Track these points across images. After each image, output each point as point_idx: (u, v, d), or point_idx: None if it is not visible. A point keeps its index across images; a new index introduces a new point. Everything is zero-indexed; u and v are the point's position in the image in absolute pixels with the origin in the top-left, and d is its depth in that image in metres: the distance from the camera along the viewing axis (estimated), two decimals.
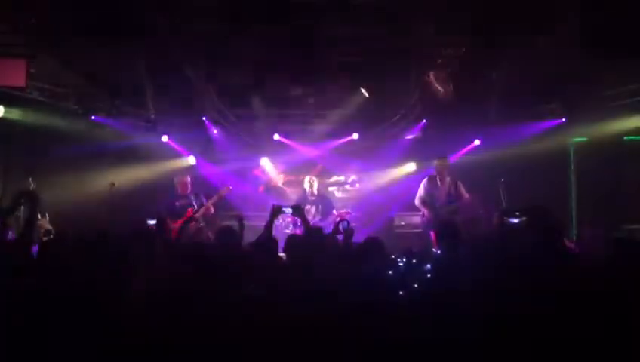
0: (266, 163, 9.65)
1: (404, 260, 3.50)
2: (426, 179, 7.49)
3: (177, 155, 9.26)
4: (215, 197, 7.67)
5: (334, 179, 9.47)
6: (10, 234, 4.45)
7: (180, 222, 7.12)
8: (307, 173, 8.61)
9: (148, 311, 2.07)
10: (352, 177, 9.47)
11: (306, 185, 7.92)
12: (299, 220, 6.07)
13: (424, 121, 9.10)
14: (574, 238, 7.72)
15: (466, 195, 7.32)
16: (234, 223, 5.09)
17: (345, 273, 2.84)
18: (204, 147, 9.41)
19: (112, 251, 2.14)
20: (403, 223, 8.80)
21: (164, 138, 9.06)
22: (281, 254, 4.17)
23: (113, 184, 7.64)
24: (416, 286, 2.78)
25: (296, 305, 2.27)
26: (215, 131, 9.23)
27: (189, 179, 7.81)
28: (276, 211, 4.72)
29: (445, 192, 7.30)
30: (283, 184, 9.59)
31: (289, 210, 5.08)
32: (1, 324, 1.97)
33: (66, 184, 7.79)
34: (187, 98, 8.55)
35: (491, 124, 8.82)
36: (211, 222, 7.64)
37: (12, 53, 6.97)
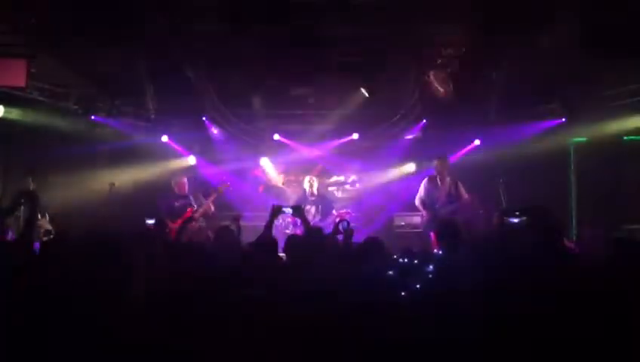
0: (265, 163, 9.65)
1: (406, 260, 3.50)
2: (426, 179, 7.49)
3: (177, 155, 9.27)
4: (214, 195, 7.70)
5: (334, 179, 9.48)
6: (10, 234, 4.46)
7: (179, 222, 7.14)
8: (307, 173, 8.62)
9: (148, 311, 2.07)
10: (352, 177, 9.47)
11: (306, 186, 7.92)
12: (299, 220, 6.07)
13: (424, 121, 9.10)
14: (574, 238, 7.72)
15: (466, 195, 7.32)
16: (232, 224, 5.11)
17: (345, 273, 2.84)
18: (204, 147, 9.42)
19: (113, 251, 2.14)
20: (403, 223, 8.81)
21: (164, 138, 9.06)
22: (281, 254, 4.18)
23: (113, 184, 7.65)
24: (418, 286, 2.78)
25: (296, 305, 2.27)
26: (215, 131, 9.23)
27: (185, 179, 7.85)
28: (276, 211, 4.72)
29: (445, 192, 7.30)
30: (283, 184, 9.59)
31: (289, 210, 5.08)
32: (1, 324, 1.97)
33: (66, 184, 7.80)
34: (187, 98, 8.54)
35: (491, 124, 8.82)
36: (212, 221, 7.65)
37: (12, 53, 6.96)
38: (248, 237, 4.73)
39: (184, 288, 2.46)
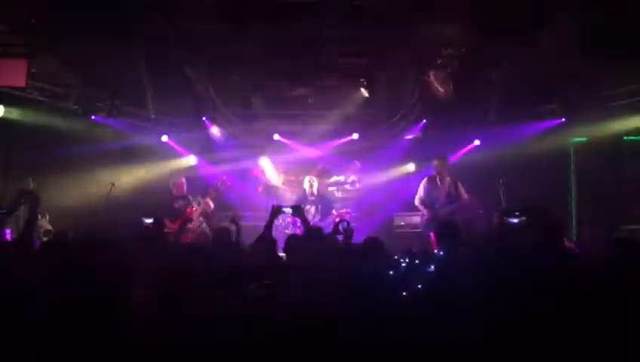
0: (265, 163, 9.64)
1: (407, 260, 3.50)
2: (425, 179, 7.49)
3: (177, 155, 9.27)
4: (212, 192, 7.71)
5: (334, 179, 9.47)
6: (9, 234, 4.45)
7: (180, 222, 7.15)
8: (307, 173, 8.62)
9: (147, 311, 2.07)
10: (352, 177, 9.46)
11: (306, 186, 7.93)
12: (298, 220, 6.08)
13: (424, 121, 9.10)
14: (574, 238, 7.72)
15: (466, 195, 7.32)
16: (231, 224, 5.10)
17: (345, 273, 2.84)
18: (204, 147, 9.41)
19: (113, 251, 2.14)
20: (403, 223, 8.80)
21: (164, 138, 9.06)
22: (281, 254, 4.18)
23: (113, 184, 7.65)
24: (419, 286, 2.78)
25: (296, 305, 2.27)
26: (215, 131, 9.23)
27: (183, 179, 7.86)
28: (276, 211, 4.73)
29: (445, 192, 7.30)
30: (283, 184, 9.59)
31: (289, 210, 5.08)
32: (1, 324, 1.97)
33: (66, 184, 7.80)
34: (187, 98, 8.55)
35: (491, 124, 8.82)
36: (211, 220, 7.66)
37: (12, 53, 6.96)
38: (248, 237, 4.73)
39: (183, 288, 2.46)
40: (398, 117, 9.17)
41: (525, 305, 2.20)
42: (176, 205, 7.73)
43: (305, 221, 4.89)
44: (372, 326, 2.10)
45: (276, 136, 9.48)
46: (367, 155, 9.50)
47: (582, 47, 6.45)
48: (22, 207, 3.80)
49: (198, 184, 8.50)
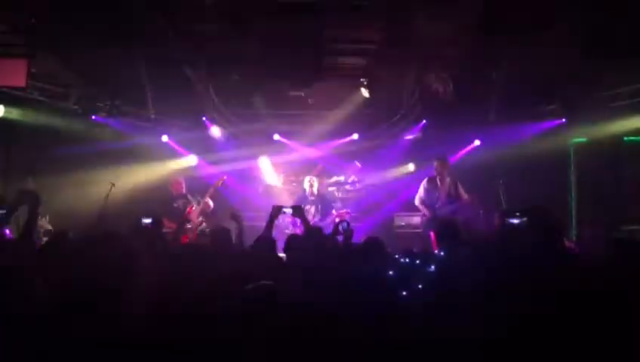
0: (265, 163, 9.64)
1: (407, 260, 3.50)
2: (426, 180, 7.50)
3: (177, 155, 9.27)
4: (211, 190, 7.72)
5: (334, 179, 9.46)
6: (9, 233, 4.45)
7: (179, 221, 7.14)
8: (307, 173, 8.62)
9: (148, 311, 2.07)
10: (352, 177, 9.46)
11: (306, 186, 7.93)
12: (298, 220, 6.08)
13: (424, 121, 9.10)
14: (574, 238, 7.73)
15: (466, 196, 7.33)
16: (233, 223, 5.10)
17: (345, 273, 2.84)
18: (204, 147, 9.41)
19: (114, 250, 2.14)
20: (403, 223, 8.80)
21: (164, 138, 9.06)
22: (281, 254, 4.18)
23: (113, 184, 7.65)
24: (420, 286, 2.78)
25: (296, 305, 2.27)
26: (215, 131, 9.23)
27: (182, 179, 7.86)
28: (276, 211, 4.73)
29: (445, 193, 7.31)
30: (283, 184, 9.59)
31: (289, 210, 5.09)
32: (1, 324, 1.97)
33: (66, 184, 7.80)
34: (187, 98, 8.54)
35: (491, 125, 8.82)
36: (211, 219, 7.67)
37: (12, 53, 6.96)
38: (248, 237, 4.73)
39: (183, 288, 2.46)
40: (398, 117, 9.17)
41: (525, 305, 2.20)
42: (175, 205, 7.73)
43: (305, 221, 4.89)
44: (372, 326, 2.10)
45: (276, 136, 9.48)
46: (367, 155, 9.50)
47: (582, 47, 6.44)
48: (22, 206, 3.81)
49: (198, 184, 8.50)
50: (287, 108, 9.39)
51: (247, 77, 8.21)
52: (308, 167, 9.34)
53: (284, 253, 4.07)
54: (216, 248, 4.37)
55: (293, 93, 8.95)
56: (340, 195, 9.26)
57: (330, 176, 9.52)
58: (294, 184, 9.38)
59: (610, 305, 2.19)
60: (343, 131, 9.42)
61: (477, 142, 9.11)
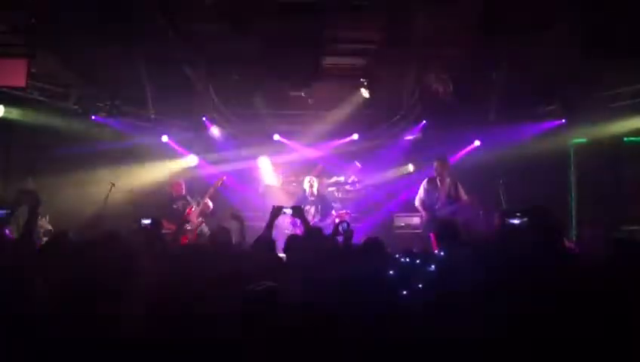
0: (265, 163, 9.64)
1: (407, 260, 3.50)
2: (426, 181, 7.50)
3: (177, 155, 9.27)
4: (211, 191, 7.72)
5: (334, 179, 9.46)
6: (8, 233, 4.44)
7: (179, 222, 7.14)
8: (307, 173, 8.61)
9: (148, 311, 2.07)
10: (352, 178, 9.46)
11: (306, 186, 7.93)
12: (298, 221, 6.07)
13: (424, 121, 9.10)
14: (574, 238, 7.73)
15: (465, 196, 7.33)
16: (233, 223, 5.10)
17: (345, 273, 2.84)
18: (204, 147, 9.41)
19: (114, 251, 2.14)
20: (403, 224, 8.80)
21: (164, 138, 9.06)
22: (281, 255, 4.18)
23: (113, 184, 7.65)
24: (420, 286, 2.78)
25: (296, 305, 2.27)
26: (215, 131, 9.23)
27: (182, 180, 7.86)
28: (276, 212, 4.73)
29: (445, 193, 7.31)
30: (282, 184, 9.58)
31: (289, 211, 5.09)
32: (1, 324, 1.97)
33: (66, 184, 7.79)
34: (187, 98, 8.54)
35: (491, 125, 8.82)
36: (211, 219, 7.67)
37: (12, 53, 6.96)
38: (249, 237, 4.73)
39: (183, 289, 2.46)
40: (398, 117, 9.17)
41: (525, 305, 2.20)
42: (175, 206, 7.73)
43: (305, 222, 4.89)
44: (372, 326, 2.10)
45: (276, 137, 9.48)
46: (367, 156, 9.50)
47: (582, 47, 6.44)
48: (22, 206, 3.81)
49: (198, 184, 8.50)
50: (287, 108, 9.38)
51: (247, 77, 8.21)
52: (308, 167, 9.34)
53: (284, 253, 4.07)
54: (215, 248, 4.37)
55: (293, 93, 8.94)
56: (339, 195, 9.25)
57: (330, 177, 9.52)
58: (294, 184, 9.37)
59: (610, 305, 2.19)
60: (343, 131, 9.41)
61: (477, 143, 9.11)
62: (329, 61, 8.04)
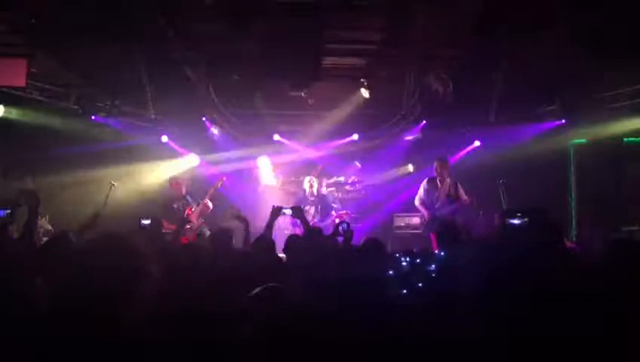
0: (265, 163, 9.64)
1: (408, 259, 3.51)
2: (426, 181, 7.51)
3: (177, 155, 9.27)
4: (211, 191, 7.72)
5: (334, 179, 9.46)
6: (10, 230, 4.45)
7: (179, 222, 7.13)
8: (307, 173, 8.62)
9: (151, 312, 2.06)
10: (352, 178, 9.46)
11: (306, 186, 7.93)
12: (298, 221, 6.08)
13: (424, 121, 9.10)
14: (574, 239, 7.73)
15: (465, 197, 7.33)
16: (237, 224, 5.09)
17: (345, 273, 2.84)
18: (204, 147, 9.41)
19: (120, 252, 2.14)
20: (403, 224, 8.80)
21: (164, 138, 9.05)
22: (281, 255, 4.18)
23: (113, 184, 7.65)
24: (420, 285, 2.78)
25: (296, 305, 2.27)
26: (215, 131, 9.23)
27: (182, 180, 7.86)
28: (276, 212, 4.73)
29: (445, 193, 7.32)
30: (283, 184, 9.58)
31: (289, 211, 5.09)
32: (2, 324, 1.97)
33: (65, 184, 7.80)
34: (187, 98, 8.54)
35: (491, 125, 8.82)
36: (210, 219, 7.67)
37: (12, 53, 6.96)
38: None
39: (183, 289, 2.46)
40: (398, 117, 9.17)
41: (525, 305, 2.20)
42: (174, 205, 7.73)
43: (305, 222, 4.89)
44: (372, 326, 2.10)
45: (276, 137, 9.48)
46: (367, 156, 9.50)
47: (582, 47, 6.44)
48: (22, 206, 3.81)
49: (198, 184, 8.50)
50: (287, 108, 9.38)
51: (247, 77, 8.20)
52: (308, 167, 9.34)
53: (284, 253, 4.07)
54: (216, 249, 4.37)
55: (293, 93, 8.93)
56: (339, 196, 9.26)
57: (330, 177, 9.53)
58: (294, 184, 9.38)
59: (610, 305, 2.19)
60: (343, 131, 9.41)
61: (477, 143, 9.11)
62: (329, 61, 8.03)
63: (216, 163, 9.28)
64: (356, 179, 9.49)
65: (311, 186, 7.89)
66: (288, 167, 9.71)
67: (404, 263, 3.49)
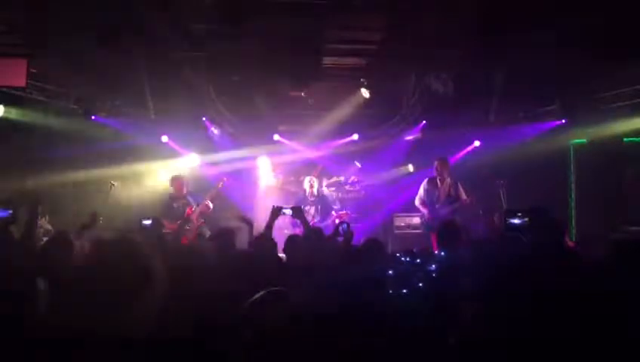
0: (265, 163, 9.64)
1: (408, 259, 3.51)
2: (426, 181, 7.52)
3: (177, 155, 9.27)
4: (212, 192, 7.72)
5: (334, 179, 9.47)
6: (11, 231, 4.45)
7: (179, 222, 7.14)
8: (307, 173, 8.62)
9: (159, 313, 2.06)
10: (352, 178, 9.47)
11: (306, 186, 7.93)
12: (298, 221, 6.08)
13: (424, 121, 9.10)
14: (574, 238, 7.73)
15: (465, 197, 7.33)
16: (239, 224, 5.07)
17: (345, 273, 2.84)
18: (204, 147, 9.41)
19: (130, 252, 2.13)
20: (403, 224, 8.81)
21: (164, 138, 9.05)
22: (281, 255, 4.18)
23: (113, 184, 7.65)
24: (420, 285, 2.78)
25: (296, 305, 2.27)
26: (215, 131, 9.23)
27: (183, 180, 7.84)
28: (276, 212, 4.73)
29: (445, 193, 7.32)
30: (283, 185, 9.58)
31: (289, 211, 5.09)
32: (2, 324, 1.97)
33: (65, 184, 7.79)
34: (187, 98, 8.54)
35: (491, 125, 8.82)
36: (210, 220, 7.66)
37: (12, 53, 6.96)
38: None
39: (182, 288, 2.46)
40: (398, 117, 9.17)
41: (525, 305, 2.20)
42: (175, 205, 7.73)
43: (305, 222, 4.90)
44: (372, 326, 2.10)
45: (276, 137, 9.47)
46: (367, 156, 9.50)
47: (582, 47, 6.44)
48: (22, 207, 3.81)
49: (198, 184, 8.50)
50: (287, 108, 9.38)
51: (247, 77, 8.20)
52: (308, 167, 9.34)
53: (284, 253, 4.07)
54: (218, 249, 4.36)
55: (293, 93, 8.94)
56: (339, 196, 9.26)
57: (330, 177, 9.53)
58: (294, 184, 9.38)
59: (610, 305, 2.19)
60: (343, 131, 9.41)
61: (477, 143, 9.11)
62: (329, 61, 8.03)
63: (216, 163, 9.28)
64: (356, 179, 9.49)
65: (311, 186, 7.89)
66: (288, 167, 9.71)
67: (404, 263, 3.50)
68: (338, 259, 3.63)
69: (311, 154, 9.58)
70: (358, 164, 9.53)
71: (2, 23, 6.63)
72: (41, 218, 6.88)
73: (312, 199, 7.84)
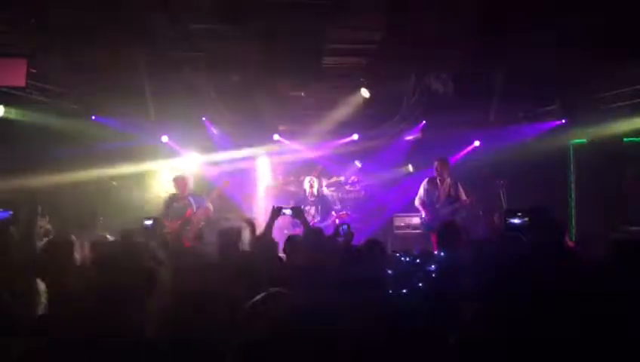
0: (265, 163, 9.64)
1: (408, 259, 3.51)
2: (426, 181, 7.52)
3: (177, 155, 9.26)
4: (214, 194, 7.70)
5: (334, 179, 9.47)
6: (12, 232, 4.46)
7: (179, 222, 7.14)
8: (307, 173, 8.62)
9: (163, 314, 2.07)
10: (352, 178, 9.47)
11: (306, 186, 7.93)
12: (298, 221, 6.08)
13: (424, 121, 9.10)
14: (574, 238, 7.73)
15: (465, 197, 7.33)
16: (241, 224, 5.07)
17: (345, 273, 2.84)
18: (204, 147, 9.41)
19: (137, 254, 2.13)
20: (403, 224, 8.81)
21: (164, 138, 9.05)
22: (281, 255, 4.18)
23: (113, 184, 7.64)
24: (420, 285, 2.79)
25: (296, 305, 2.27)
26: (215, 131, 9.23)
27: (186, 180, 7.82)
28: (276, 212, 4.73)
29: (445, 194, 7.32)
30: (282, 185, 9.58)
31: (289, 211, 5.09)
32: (3, 324, 1.97)
33: (65, 184, 7.79)
34: (187, 98, 8.54)
35: (491, 125, 8.82)
36: (211, 221, 7.65)
37: (12, 53, 6.95)
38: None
39: (184, 288, 2.46)
40: (397, 117, 9.17)
41: (525, 305, 2.20)
42: (175, 205, 7.71)
43: (305, 222, 4.90)
44: (372, 326, 2.10)
45: (276, 137, 9.47)
46: (367, 156, 9.50)
47: (582, 47, 6.44)
48: (21, 207, 3.81)
49: (199, 184, 8.50)
50: (287, 108, 9.38)
51: (247, 77, 8.20)
52: (308, 167, 9.34)
53: (284, 253, 4.07)
54: (222, 248, 4.35)
55: (293, 93, 8.94)
56: (339, 196, 9.26)
57: (330, 177, 9.53)
58: (294, 184, 9.38)
59: (610, 305, 2.19)
60: (343, 131, 9.41)
61: (477, 143, 9.12)
62: (329, 61, 8.03)
63: (216, 163, 9.27)
64: (356, 179, 9.49)
65: (311, 186, 7.89)
66: (288, 167, 9.72)
67: (404, 263, 3.50)
68: (338, 260, 3.63)
69: (311, 154, 9.58)
70: (358, 164, 9.53)
71: (2, 23, 6.63)
72: (41, 218, 6.88)
73: (312, 199, 7.84)
